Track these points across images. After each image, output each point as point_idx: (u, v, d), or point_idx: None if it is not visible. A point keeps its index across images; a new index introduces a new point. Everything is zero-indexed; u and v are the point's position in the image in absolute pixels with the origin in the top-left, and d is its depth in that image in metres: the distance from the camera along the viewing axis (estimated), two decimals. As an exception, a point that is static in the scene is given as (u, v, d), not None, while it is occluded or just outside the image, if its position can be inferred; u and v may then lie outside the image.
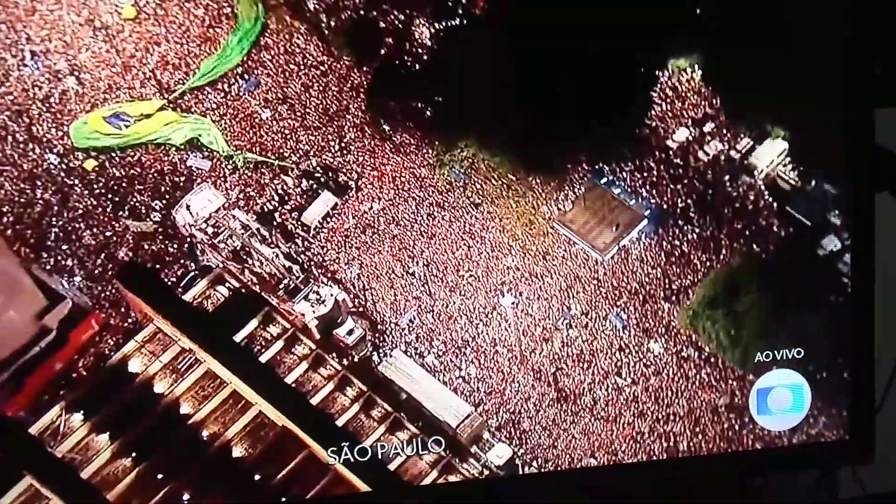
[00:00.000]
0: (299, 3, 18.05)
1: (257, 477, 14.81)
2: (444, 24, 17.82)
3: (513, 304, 18.05)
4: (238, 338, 15.36)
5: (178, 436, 14.87)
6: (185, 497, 14.34)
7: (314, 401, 15.01)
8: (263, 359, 15.20)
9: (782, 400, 14.99)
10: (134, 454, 14.81)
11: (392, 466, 15.22)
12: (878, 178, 12.84)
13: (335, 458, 15.33)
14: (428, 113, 18.33)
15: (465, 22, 17.99)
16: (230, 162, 17.98)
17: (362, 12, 18.45)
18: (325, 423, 14.26)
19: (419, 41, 18.05)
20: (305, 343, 16.46)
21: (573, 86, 17.44)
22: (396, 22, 18.60)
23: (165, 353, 15.13)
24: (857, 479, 13.42)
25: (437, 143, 18.10)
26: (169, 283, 17.09)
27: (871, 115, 12.28)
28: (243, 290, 16.79)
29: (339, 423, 14.72)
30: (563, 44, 17.35)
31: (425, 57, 17.69)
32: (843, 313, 14.41)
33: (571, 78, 17.56)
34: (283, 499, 14.98)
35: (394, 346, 16.77)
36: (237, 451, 14.98)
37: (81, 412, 14.98)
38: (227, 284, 16.11)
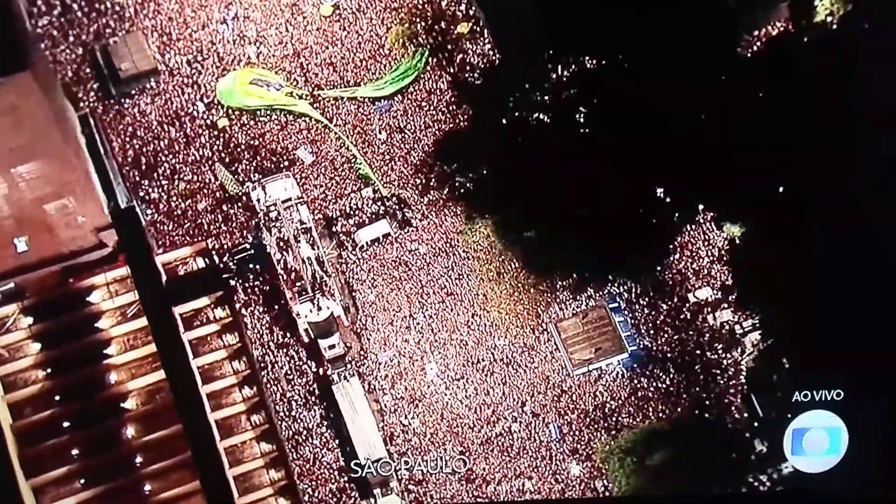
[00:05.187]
0: (452, 53, 18.85)
1: (129, 432, 15.93)
2: (550, 118, 17.89)
3: (480, 380, 17.79)
4: (184, 308, 16.42)
5: (92, 370, 16.26)
6: (65, 424, 15.68)
7: (209, 388, 15.84)
8: (192, 335, 16.19)
9: (818, 441, 14.23)
10: (49, 370, 16.40)
11: (231, 474, 15.69)
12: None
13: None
14: (463, 183, 18.56)
15: (567, 121, 17.95)
16: (353, 165, 19.01)
17: (496, 78, 18.81)
18: (200, 409, 15.08)
19: (519, 118, 18.22)
20: (238, 335, 17.30)
21: (624, 215, 17.02)
22: (521, 95, 18.79)
23: (123, 295, 16.53)
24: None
25: (461, 211, 18.30)
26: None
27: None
28: (217, 266, 17.82)
29: (215, 416, 15.45)
30: (627, 176, 16.99)
31: (504, 133, 17.87)
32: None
33: (626, 208, 17.13)
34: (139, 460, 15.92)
35: (361, 374, 17.15)
36: (128, 403, 16.20)
37: (32, 318, 16.73)
38: (206, 259, 17.20)
